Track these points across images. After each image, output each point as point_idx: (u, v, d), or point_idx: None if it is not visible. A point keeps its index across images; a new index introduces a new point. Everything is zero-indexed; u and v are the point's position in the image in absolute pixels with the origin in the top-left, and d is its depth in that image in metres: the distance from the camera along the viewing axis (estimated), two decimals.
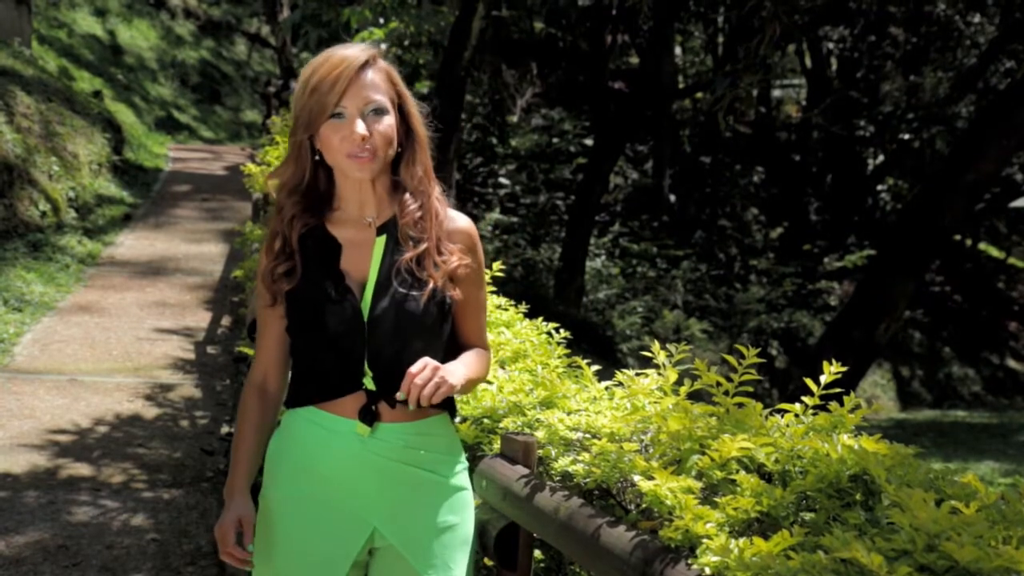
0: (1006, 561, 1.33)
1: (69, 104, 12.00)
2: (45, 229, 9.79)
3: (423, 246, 1.98)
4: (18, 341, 7.23)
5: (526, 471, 2.16)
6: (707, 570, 1.57)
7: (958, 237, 20.35)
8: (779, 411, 2.10)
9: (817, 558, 1.44)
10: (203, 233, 11.22)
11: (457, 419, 2.42)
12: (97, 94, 15.17)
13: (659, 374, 2.31)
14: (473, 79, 15.32)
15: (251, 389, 2.08)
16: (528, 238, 16.85)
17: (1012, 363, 20.11)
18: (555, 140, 18.43)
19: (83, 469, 5.09)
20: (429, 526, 2.00)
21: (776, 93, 22.74)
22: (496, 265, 3.37)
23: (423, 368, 1.85)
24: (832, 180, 21.69)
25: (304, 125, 1.94)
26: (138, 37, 20.34)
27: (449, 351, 2.04)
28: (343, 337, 1.94)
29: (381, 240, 1.99)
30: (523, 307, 3.41)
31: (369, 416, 1.95)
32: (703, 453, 1.90)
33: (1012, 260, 22.46)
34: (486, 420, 2.51)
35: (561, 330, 3.09)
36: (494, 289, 3.44)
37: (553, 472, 2.15)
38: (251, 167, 7.31)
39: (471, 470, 2.16)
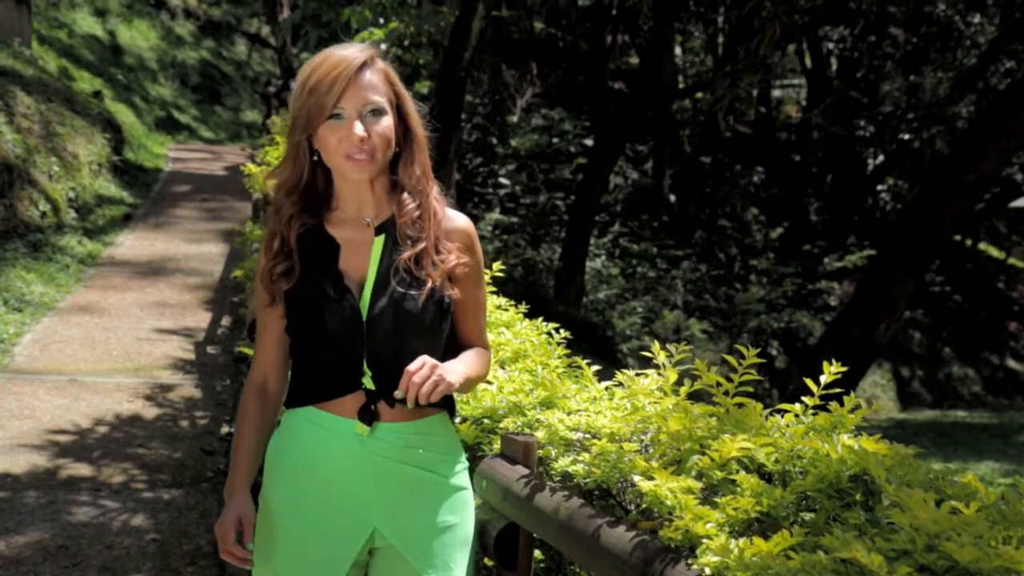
0: (1006, 561, 1.33)
1: (69, 104, 12.01)
2: (45, 229, 9.79)
3: (421, 245, 1.98)
4: (18, 341, 7.23)
5: (526, 471, 2.16)
6: (707, 570, 1.57)
7: (958, 237, 20.35)
8: (779, 411, 2.10)
9: (817, 558, 1.44)
10: (203, 233, 11.22)
11: (457, 419, 2.42)
12: (97, 94, 15.18)
13: (659, 374, 2.31)
14: (473, 79, 15.32)
15: (251, 389, 2.08)
16: (528, 238, 16.85)
17: (1012, 363, 20.11)
18: (555, 140, 18.43)
19: (83, 469, 5.09)
20: (429, 526, 2.00)
21: (776, 93, 22.74)
22: (496, 265, 3.37)
23: (421, 366, 1.85)
24: (832, 180, 21.69)
25: (302, 126, 1.94)
26: (138, 37, 20.35)
27: (449, 351, 2.04)
28: (342, 337, 1.95)
29: (379, 240, 1.99)
30: (523, 307, 3.40)
31: (368, 416, 1.95)
32: (703, 453, 1.90)
33: (1012, 260, 22.46)
34: (486, 420, 2.51)
35: (561, 330, 3.09)
36: (494, 289, 3.44)
37: (553, 472, 2.15)
38: (251, 167, 7.31)
39: (471, 470, 2.16)
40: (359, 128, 1.90)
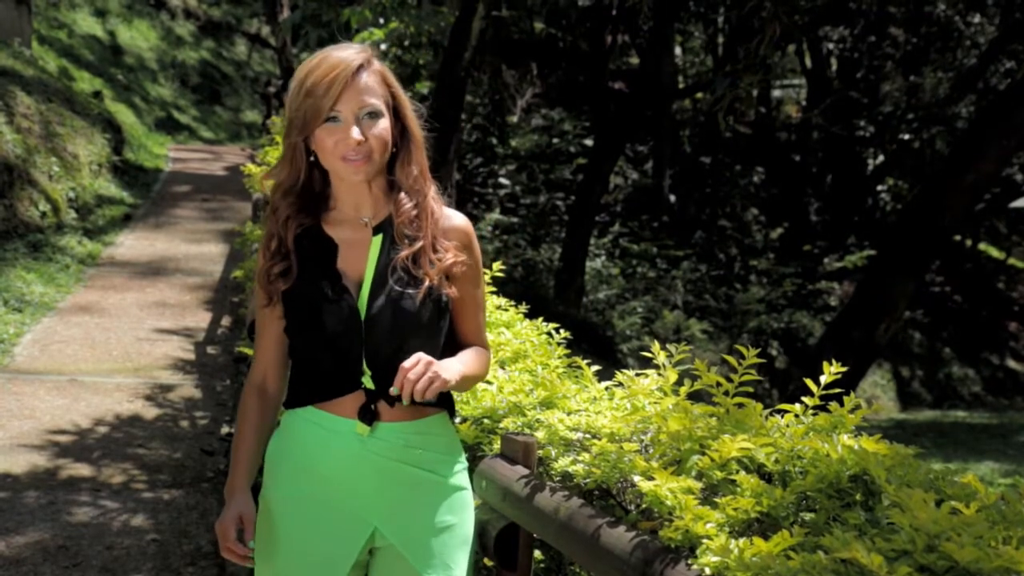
0: (1006, 561, 1.33)
1: (69, 104, 12.01)
2: (45, 229, 9.79)
3: (419, 244, 1.98)
4: (18, 341, 7.23)
5: (526, 471, 2.16)
6: (707, 570, 1.57)
7: (958, 237, 20.36)
8: (779, 411, 2.10)
9: (817, 558, 1.44)
10: (203, 233, 11.22)
11: (457, 419, 2.42)
12: (97, 94, 15.18)
13: (659, 374, 2.31)
14: (473, 79, 15.31)
15: (251, 390, 2.08)
16: (528, 238, 16.85)
17: (1012, 363, 20.11)
18: (555, 140, 18.43)
19: (83, 469, 5.09)
20: (428, 526, 2.00)
21: (776, 93, 22.74)
22: (496, 265, 3.37)
23: (416, 363, 1.85)
24: (832, 180, 21.69)
25: (298, 127, 1.94)
26: (138, 37, 20.35)
27: (448, 350, 2.03)
28: (341, 336, 1.95)
29: (377, 239, 2.00)
30: (523, 307, 3.40)
31: (368, 415, 1.95)
32: (703, 453, 1.90)
33: (1012, 260, 22.46)
34: (486, 420, 2.51)
35: (561, 330, 3.09)
36: (494, 290, 3.44)
37: (553, 472, 2.16)
38: (251, 167, 7.31)
39: (471, 470, 2.16)
40: (356, 132, 1.90)
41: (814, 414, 2.05)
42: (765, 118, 22.18)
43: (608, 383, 2.46)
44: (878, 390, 17.59)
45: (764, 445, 1.86)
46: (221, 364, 7.14)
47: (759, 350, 2.15)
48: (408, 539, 1.99)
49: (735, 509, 1.69)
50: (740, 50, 11.91)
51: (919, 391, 18.50)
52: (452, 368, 1.92)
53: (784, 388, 13.67)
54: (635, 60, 20.26)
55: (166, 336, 7.68)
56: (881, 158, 21.35)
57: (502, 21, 16.36)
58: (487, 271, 3.22)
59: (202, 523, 4.54)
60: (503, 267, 3.41)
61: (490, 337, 2.97)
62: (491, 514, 2.21)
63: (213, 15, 22.75)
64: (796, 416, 2.07)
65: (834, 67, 21.53)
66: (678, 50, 20.23)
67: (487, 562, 2.37)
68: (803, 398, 2.11)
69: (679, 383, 2.27)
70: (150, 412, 6.08)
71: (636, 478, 1.87)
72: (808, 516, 1.70)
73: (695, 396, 2.22)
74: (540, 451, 2.23)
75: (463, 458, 2.10)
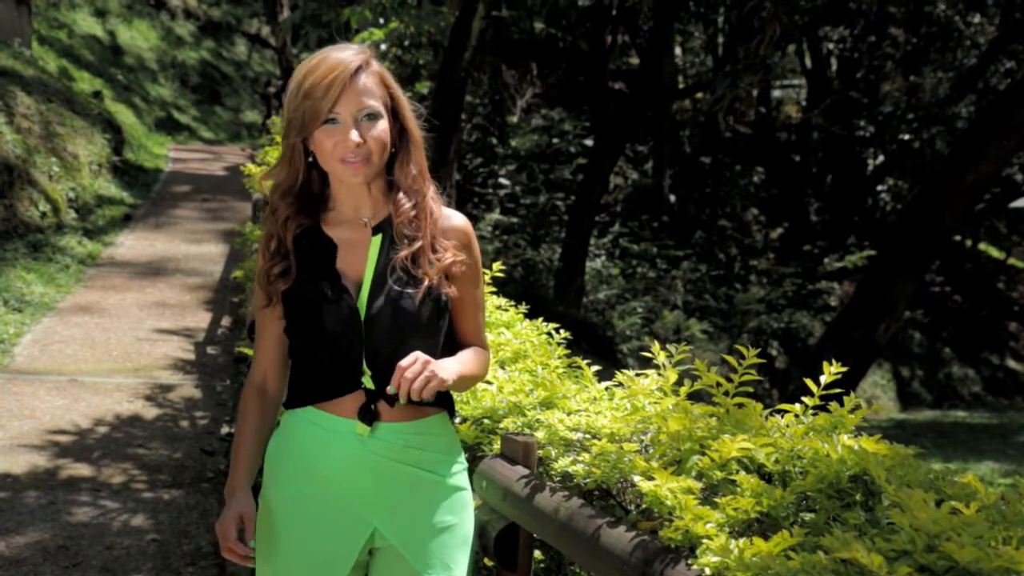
0: (1006, 561, 1.33)
1: (69, 105, 12.01)
2: (45, 230, 9.79)
3: (418, 244, 1.98)
4: (18, 342, 7.23)
5: (526, 471, 2.16)
6: (707, 570, 1.57)
7: (958, 237, 20.36)
8: (779, 411, 2.10)
9: (817, 558, 1.44)
10: (203, 233, 11.23)
11: (457, 419, 2.42)
12: (97, 95, 15.18)
13: (659, 374, 2.31)
14: (473, 79, 15.31)
15: (251, 390, 2.08)
16: (528, 238, 16.85)
17: (1012, 363, 20.11)
18: (555, 140, 18.43)
19: (83, 470, 5.09)
20: (428, 526, 2.00)
21: (776, 93, 22.74)
22: (496, 266, 3.37)
23: (413, 362, 1.85)
24: (832, 180, 21.69)
25: (297, 129, 1.94)
26: (138, 38, 20.35)
27: (448, 350, 2.03)
28: (340, 336, 1.95)
29: (377, 239, 2.00)
30: (523, 307, 3.40)
31: (368, 415, 1.95)
32: (703, 453, 1.90)
33: (1012, 260, 22.46)
34: (486, 420, 2.51)
35: (561, 330, 3.09)
36: (494, 290, 3.44)
37: (553, 472, 2.16)
38: (251, 167, 7.31)
39: (471, 470, 2.16)
40: (355, 135, 1.90)
41: (814, 414, 2.05)
42: (765, 118, 22.19)
43: (608, 383, 2.46)
44: (878, 390, 17.59)
45: (764, 445, 1.86)
46: (221, 364, 7.15)
47: (759, 350, 2.15)
48: (408, 539, 1.99)
49: (735, 509, 1.69)
50: (740, 50, 11.91)
51: (919, 391, 18.50)
52: (449, 368, 1.92)
53: (784, 388, 13.67)
54: (635, 60, 20.27)
55: (166, 336, 7.68)
56: (881, 158, 21.35)
57: (502, 21, 16.36)
58: (487, 271, 3.22)
59: (202, 523, 4.54)
60: (503, 267, 3.41)
61: (490, 337, 2.97)
62: (491, 514, 2.22)
63: (213, 15, 22.75)
64: (796, 416, 2.07)
65: (834, 67, 21.53)
66: (678, 50, 20.23)
67: (487, 562, 2.37)
68: (803, 398, 2.11)
69: (679, 383, 2.27)
70: (150, 412, 6.08)
71: (636, 478, 1.87)
72: (808, 516, 1.70)
73: (695, 396, 2.22)
74: (540, 451, 2.23)
75: (463, 458, 2.10)
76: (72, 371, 6.73)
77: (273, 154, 7.25)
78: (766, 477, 1.85)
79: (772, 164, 21.02)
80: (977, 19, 18.86)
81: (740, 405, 2.07)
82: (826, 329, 13.94)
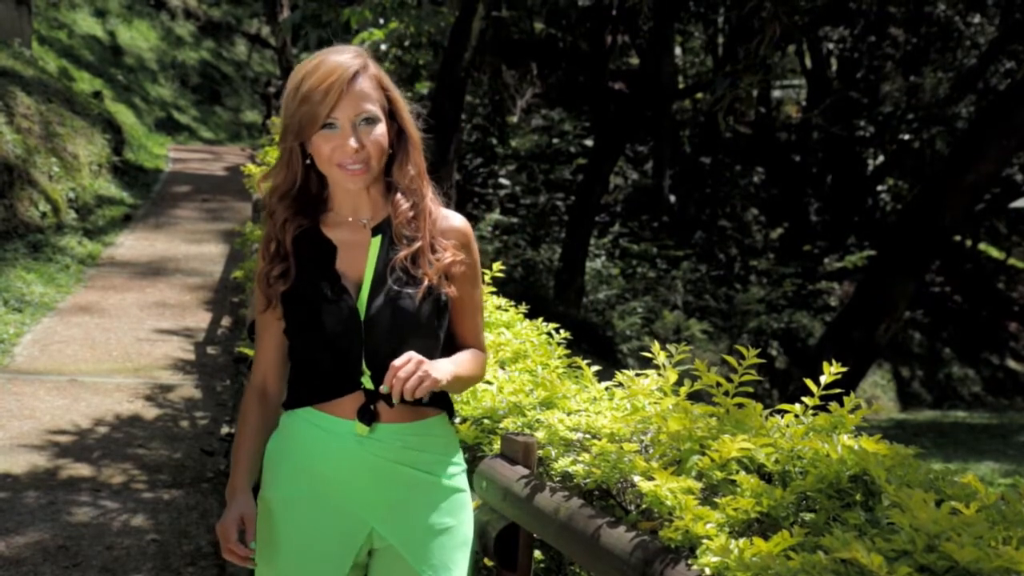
0: (1006, 561, 1.33)
1: (69, 105, 12.01)
2: (45, 230, 9.79)
3: (417, 244, 1.98)
4: (18, 342, 7.23)
5: (526, 471, 2.16)
6: (707, 570, 1.57)
7: (958, 237, 20.35)
8: (779, 411, 2.10)
9: (817, 558, 1.44)
10: (203, 234, 11.23)
11: (457, 420, 2.42)
12: (97, 95, 15.18)
13: (659, 375, 2.31)
14: (473, 80, 15.32)
15: (251, 392, 2.08)
16: (528, 239, 16.85)
17: (1012, 364, 20.11)
18: (555, 141, 18.43)
19: (83, 470, 5.09)
20: (426, 527, 2.00)
21: (776, 93, 22.74)
22: (496, 266, 3.37)
23: (407, 362, 1.85)
24: (832, 180, 21.70)
25: (295, 133, 1.94)
26: (138, 38, 20.35)
27: (446, 352, 2.03)
28: (340, 337, 1.95)
29: (376, 240, 2.00)
30: (523, 308, 3.40)
31: (368, 416, 1.95)
32: (703, 453, 1.90)
33: (1012, 261, 22.46)
34: (486, 420, 2.51)
35: (561, 330, 3.09)
36: (494, 290, 3.44)
37: (553, 472, 2.16)
38: (251, 167, 7.31)
39: (471, 470, 2.16)
40: (353, 141, 1.90)
41: (814, 414, 2.05)
42: (765, 118, 22.19)
43: (608, 383, 2.46)
44: (878, 390, 17.59)
45: (764, 445, 1.86)
46: (221, 364, 7.15)
47: (759, 350, 2.15)
48: (406, 540, 1.99)
49: (735, 509, 1.69)
50: (740, 50, 11.91)
51: (919, 391, 18.50)
52: (444, 368, 1.92)
53: (784, 388, 13.67)
54: (635, 60, 20.26)
55: (166, 336, 7.68)
56: (881, 158, 21.36)
57: (502, 21, 16.37)
58: (487, 271, 3.22)
59: (202, 523, 4.54)
60: (503, 267, 3.41)
61: (490, 337, 2.97)
62: (491, 514, 2.22)
63: (213, 15, 22.75)
64: (796, 416, 2.07)
65: (834, 67, 21.53)
66: (678, 50, 20.23)
67: (487, 562, 2.37)
68: (803, 398, 2.11)
69: (679, 383, 2.27)
70: (150, 412, 6.08)
71: (636, 478, 1.87)
72: (808, 516, 1.70)
73: (695, 396, 2.22)
74: (540, 451, 2.23)
75: (461, 460, 2.09)
76: (72, 371, 6.73)
77: (273, 154, 7.25)
78: (766, 477, 1.85)
79: (772, 164, 21.02)
80: (977, 19, 18.86)
81: (740, 405, 2.07)
82: (826, 329, 13.94)
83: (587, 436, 2.19)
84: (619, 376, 2.38)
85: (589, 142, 17.80)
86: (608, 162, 14.86)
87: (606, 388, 2.45)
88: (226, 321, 8.11)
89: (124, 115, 16.50)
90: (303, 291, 1.98)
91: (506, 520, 2.17)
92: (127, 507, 4.66)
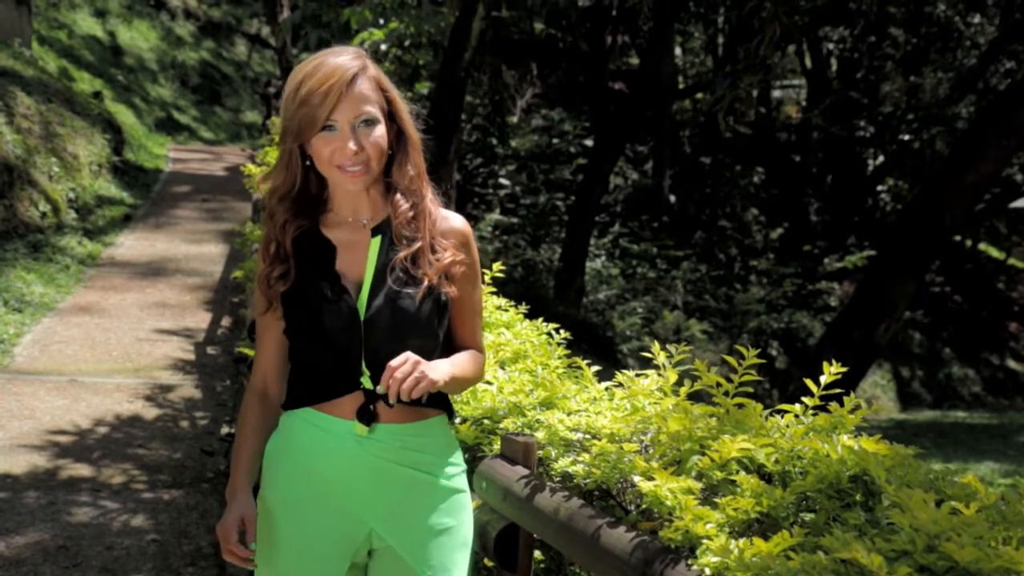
0: (1006, 562, 1.33)
1: (69, 105, 12.01)
2: (45, 230, 9.79)
3: (417, 244, 1.98)
4: (18, 342, 7.23)
5: (526, 472, 2.16)
6: (707, 571, 1.57)
7: (958, 237, 20.35)
8: (779, 412, 2.10)
9: (817, 559, 1.44)
10: (203, 234, 11.23)
11: (457, 420, 2.42)
12: (97, 95, 15.18)
13: (659, 375, 2.31)
14: (473, 80, 15.32)
15: (251, 394, 2.09)
16: (528, 239, 16.85)
17: (1012, 364, 20.11)
18: (555, 141, 18.43)
19: (83, 470, 5.09)
20: (425, 528, 2.00)
21: (776, 94, 22.74)
22: (496, 266, 3.37)
23: (403, 362, 1.85)
24: (832, 181, 21.70)
25: (294, 135, 1.94)
26: (138, 38, 20.35)
27: (444, 353, 2.03)
28: (340, 336, 1.95)
29: (376, 240, 2.00)
30: (523, 308, 3.40)
31: (367, 416, 1.95)
32: (703, 454, 1.90)
33: (1012, 261, 22.46)
34: (486, 421, 2.51)
35: (561, 331, 3.09)
36: (494, 290, 3.44)
37: (553, 473, 2.16)
38: (251, 168, 7.31)
39: (471, 471, 2.16)
40: (353, 143, 1.90)
41: (814, 414, 2.05)
42: (765, 118, 22.19)
43: (608, 383, 2.46)
44: (878, 390, 17.59)
45: (764, 445, 1.86)
46: (221, 364, 7.15)
47: (759, 350, 2.15)
48: (405, 540, 1.99)
49: (735, 509, 1.69)
50: (740, 50, 11.91)
51: (919, 391, 18.50)
52: (440, 368, 1.92)
53: (784, 388, 13.67)
54: (635, 60, 20.26)
55: (166, 336, 7.68)
56: (881, 158, 21.36)
57: (502, 21, 16.36)
58: (487, 271, 3.22)
59: (202, 523, 4.54)
60: (503, 267, 3.41)
61: (490, 337, 2.97)
62: (491, 514, 2.22)
63: (213, 15, 22.74)
64: (796, 416, 2.07)
65: (834, 67, 21.53)
66: (678, 50, 20.23)
67: (487, 562, 2.37)
68: (803, 398, 2.11)
69: (679, 383, 2.27)
70: (150, 412, 6.08)
71: (636, 478, 1.87)
72: (808, 516, 1.70)
73: (695, 396, 2.22)
74: (540, 451, 2.24)
75: (461, 460, 2.09)
76: (72, 371, 6.73)
77: (273, 154, 7.25)
78: (766, 477, 1.85)
79: (772, 164, 21.02)
80: (977, 19, 18.86)
81: (740, 405, 2.07)
82: (826, 329, 13.94)
83: (587, 436, 2.19)
84: (619, 376, 2.38)
85: (589, 142, 17.80)
86: (608, 162, 14.86)
87: (606, 388, 2.45)
88: (226, 321, 8.11)
89: (124, 115, 16.51)
90: (303, 291, 1.98)
91: (506, 520, 2.17)
92: (127, 507, 4.66)
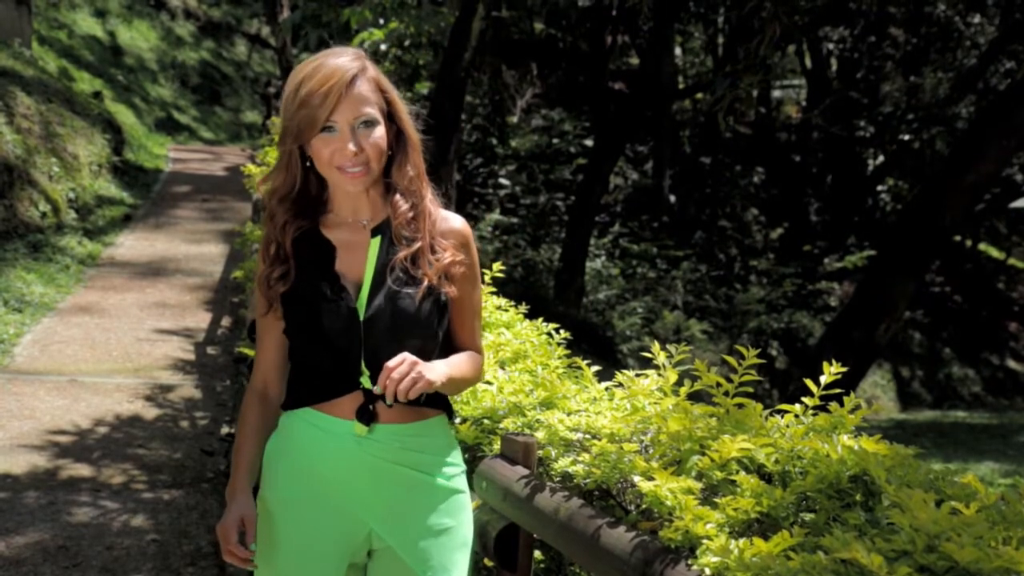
0: (1006, 562, 1.33)
1: (69, 105, 12.01)
2: (45, 230, 9.79)
3: (417, 245, 1.99)
4: (18, 342, 7.23)
5: (526, 472, 2.16)
6: (707, 571, 1.57)
7: (958, 237, 20.35)
8: (779, 412, 2.10)
9: (817, 559, 1.44)
10: (203, 234, 11.23)
11: (457, 420, 2.42)
12: (97, 95, 15.18)
13: (659, 375, 2.31)
14: (473, 80, 15.31)
15: (252, 395, 2.09)
16: (528, 239, 16.85)
17: (1012, 364, 20.11)
18: (555, 141, 18.43)
19: (83, 470, 5.09)
20: (424, 528, 2.00)
21: (776, 94, 22.74)
22: (496, 266, 3.37)
23: (400, 362, 1.85)
24: (832, 181, 21.70)
25: (294, 136, 1.94)
26: (138, 38, 20.35)
27: (443, 354, 2.03)
28: (340, 336, 1.95)
29: (376, 241, 2.00)
30: (523, 308, 3.40)
31: (366, 416, 1.95)
32: (703, 454, 1.90)
33: (1012, 261, 22.46)
34: (486, 421, 2.51)
35: (561, 331, 3.09)
36: (494, 290, 3.44)
37: (553, 473, 2.16)
38: (251, 168, 7.32)
39: (471, 470, 2.16)
40: (352, 145, 1.91)
41: (814, 414, 2.05)
42: (765, 118, 22.19)
43: (608, 383, 2.46)
44: (878, 390, 17.59)
45: (764, 445, 1.86)
46: (221, 364, 7.15)
47: (759, 350, 2.15)
48: (404, 541, 1.99)
49: (735, 509, 1.69)
50: (740, 50, 11.90)
51: (919, 391, 18.50)
52: (437, 369, 1.92)
53: (784, 388, 13.67)
54: (635, 60, 20.27)
55: (166, 336, 7.68)
56: (881, 158, 21.36)
57: (502, 21, 16.36)
58: (487, 271, 3.22)
59: (202, 523, 4.54)
60: (503, 267, 3.41)
61: (490, 337, 2.97)
62: (491, 514, 2.22)
63: (213, 15, 22.74)
64: (796, 416, 2.07)
65: (834, 67, 21.53)
66: (678, 50, 20.23)
67: (487, 562, 2.37)
68: (803, 398, 2.11)
69: (679, 383, 2.27)
70: (150, 412, 6.08)
71: (636, 478, 1.87)
72: (808, 516, 1.70)
73: (695, 396, 2.22)
74: (540, 451, 2.24)
75: (460, 461, 2.09)
76: (72, 371, 6.73)
77: (273, 154, 7.25)
78: (766, 477, 1.85)
79: (772, 164, 21.02)
80: (977, 19, 18.86)
81: (740, 405, 2.07)
82: (826, 329, 13.94)
83: (587, 436, 2.19)
84: (619, 376, 2.38)
85: (589, 142, 17.80)
86: (608, 162, 14.86)
87: (606, 388, 2.45)
88: (226, 321, 8.11)
89: (124, 115, 16.50)
90: (303, 292, 1.99)
91: (506, 520, 2.17)
92: (127, 507, 4.66)
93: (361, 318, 1.95)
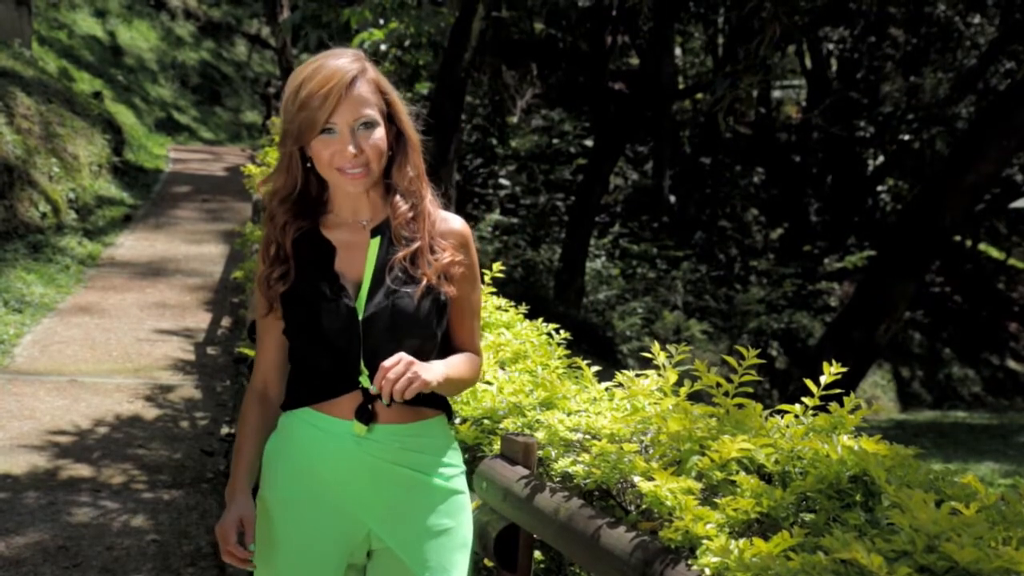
0: (1006, 562, 1.33)
1: (69, 105, 12.01)
2: (45, 230, 9.79)
3: (416, 245, 1.99)
4: (18, 342, 7.23)
5: (526, 472, 2.16)
6: (707, 571, 1.57)
7: (958, 238, 20.35)
8: (779, 412, 2.10)
9: (817, 559, 1.44)
10: (203, 234, 11.23)
11: (457, 420, 2.42)
12: (97, 95, 15.18)
13: (659, 375, 2.31)
14: (473, 80, 15.32)
15: (252, 395, 2.09)
16: (528, 239, 16.85)
17: (1012, 364, 20.11)
18: (555, 141, 18.44)
19: (83, 470, 5.09)
20: (423, 529, 2.00)
21: (776, 94, 22.74)
22: (496, 266, 3.37)
23: (397, 362, 1.85)
24: (832, 181, 21.70)
25: (294, 138, 1.94)
26: (138, 38, 20.35)
27: (441, 355, 2.03)
28: (339, 336, 1.95)
29: (375, 241, 2.00)
30: (523, 308, 3.40)
31: (366, 415, 1.95)
32: (703, 454, 1.90)
33: (1012, 261, 22.46)
34: (486, 421, 2.51)
35: (561, 331, 3.09)
36: (494, 290, 3.44)
37: (553, 473, 2.16)
38: (251, 168, 7.32)
39: (471, 471, 2.16)
40: (352, 146, 1.91)
41: (814, 415, 2.06)
42: (765, 119, 22.19)
43: (608, 384, 2.46)
44: (878, 390, 17.59)
45: (764, 446, 1.86)
46: (221, 365, 7.15)
47: (759, 351, 2.15)
48: (404, 541, 1.99)
49: (735, 510, 1.69)
50: (740, 51, 11.90)
51: (919, 391, 18.50)
52: (434, 369, 1.92)
53: (784, 388, 13.67)
54: (635, 61, 20.27)
55: (166, 337, 7.68)
56: (881, 158, 21.36)
57: (502, 21, 16.37)
58: (487, 271, 3.22)
59: (202, 524, 4.54)
60: (503, 267, 3.41)
61: (490, 337, 2.97)
62: (491, 515, 2.22)
63: (213, 16, 22.74)
64: (796, 417, 2.07)
65: (834, 67, 21.53)
66: (678, 51, 20.24)
67: (487, 563, 2.37)
68: (803, 399, 2.11)
69: (679, 384, 2.27)
70: (150, 413, 6.08)
71: (636, 479, 1.88)
72: (808, 517, 1.70)
73: (695, 397, 2.22)
74: (540, 452, 2.23)
75: (460, 461, 2.09)
76: (72, 371, 6.73)
77: (273, 155, 7.26)
78: (766, 478, 1.85)
79: (772, 164, 21.03)
80: (977, 19, 18.87)
81: (740, 406, 2.07)
82: (826, 329, 13.94)
83: (587, 436, 2.19)
84: (619, 376, 2.38)
85: (589, 142, 17.80)
86: (608, 162, 14.86)
87: (606, 388, 2.45)
88: (226, 321, 8.11)
89: (124, 115, 16.50)
90: (302, 292, 1.99)
91: (506, 521, 2.17)
92: (127, 507, 4.66)
93: (360, 317, 1.95)
